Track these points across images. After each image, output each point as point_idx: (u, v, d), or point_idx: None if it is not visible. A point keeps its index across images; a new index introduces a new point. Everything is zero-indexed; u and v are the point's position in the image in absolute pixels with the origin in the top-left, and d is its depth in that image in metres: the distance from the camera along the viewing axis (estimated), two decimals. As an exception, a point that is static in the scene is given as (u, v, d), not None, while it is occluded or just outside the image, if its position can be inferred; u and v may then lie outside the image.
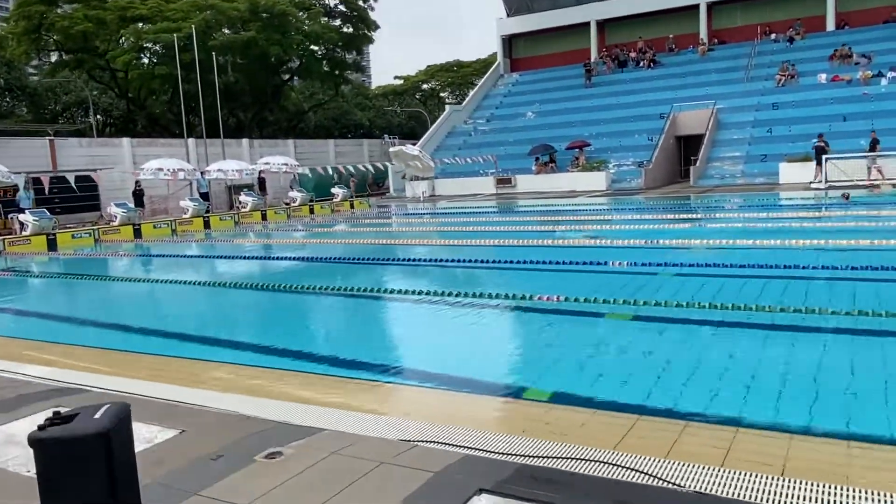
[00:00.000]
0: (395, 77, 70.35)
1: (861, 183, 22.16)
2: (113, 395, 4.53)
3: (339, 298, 8.92)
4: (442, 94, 69.50)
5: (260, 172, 27.86)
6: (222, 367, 5.68)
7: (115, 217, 19.98)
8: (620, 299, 7.32)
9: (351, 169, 27.94)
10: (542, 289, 8.87)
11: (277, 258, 13.15)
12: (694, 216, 15.77)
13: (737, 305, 6.84)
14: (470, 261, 10.88)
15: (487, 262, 10.71)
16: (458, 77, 65.08)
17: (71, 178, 23.00)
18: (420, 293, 8.39)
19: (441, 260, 11.29)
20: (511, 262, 10.47)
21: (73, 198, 24.17)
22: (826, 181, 22.18)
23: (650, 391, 4.65)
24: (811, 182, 23.12)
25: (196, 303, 9.39)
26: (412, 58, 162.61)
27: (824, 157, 22.61)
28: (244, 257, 13.61)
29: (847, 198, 18.41)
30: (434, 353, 5.88)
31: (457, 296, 8.05)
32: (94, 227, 19.77)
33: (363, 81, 72.83)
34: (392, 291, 8.78)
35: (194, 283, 10.63)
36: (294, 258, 12.96)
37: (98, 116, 50.61)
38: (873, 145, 23.23)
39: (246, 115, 47.19)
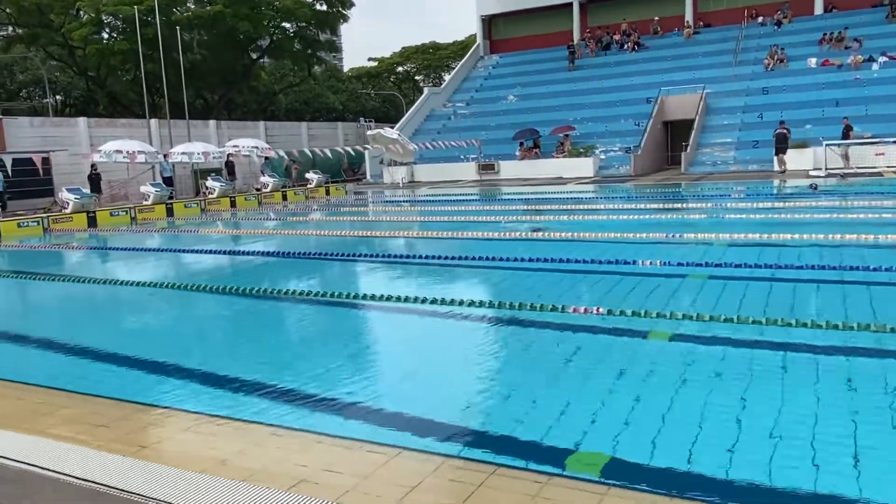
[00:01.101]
0: (369, 59, 68.26)
1: (862, 171, 21.31)
2: (7, 470, 3.16)
3: (328, 308, 7.46)
4: (417, 78, 67.73)
5: (228, 156, 26.12)
6: (177, 417, 4.21)
7: (68, 204, 18.23)
8: (657, 311, 6.04)
9: (295, 153, 25.83)
10: (557, 294, 7.62)
11: (247, 253, 11.67)
12: (703, 206, 14.61)
13: (802, 321, 5.65)
14: (467, 258, 9.57)
15: (488, 259, 9.37)
16: (434, 59, 63.38)
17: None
18: (409, 300, 7.02)
19: (435, 257, 9.96)
20: (515, 259, 9.16)
21: (23, 182, 22.29)
22: (826, 168, 21.30)
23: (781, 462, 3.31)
24: (809, 171, 22.26)
25: (147, 313, 7.80)
26: (386, 39, 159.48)
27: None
28: (209, 251, 12.09)
29: (815, 188, 17.65)
30: (440, 394, 4.51)
31: (458, 304, 6.74)
32: (45, 215, 18.01)
33: (336, 63, 70.63)
34: (379, 298, 7.29)
35: (146, 286, 9.09)
36: (266, 253, 11.48)
37: (58, 97, 47.97)
38: (846, 132, 22.51)
39: (213, 96, 45.05)
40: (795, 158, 23.55)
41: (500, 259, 9.24)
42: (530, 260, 9.04)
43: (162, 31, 28.73)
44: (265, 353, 5.72)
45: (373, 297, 7.27)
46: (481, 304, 6.76)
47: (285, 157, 26.48)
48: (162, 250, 13.16)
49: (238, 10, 36.62)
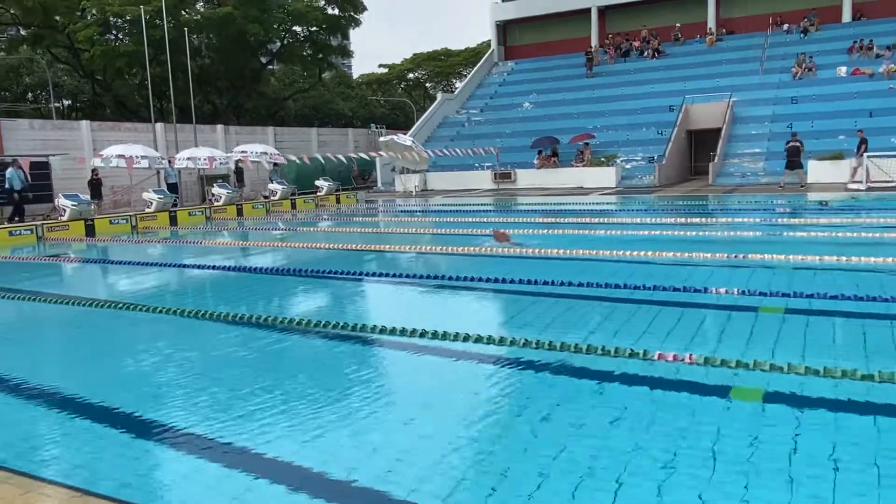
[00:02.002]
0: (380, 65, 67.51)
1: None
2: None
3: (342, 343, 6.38)
4: (427, 85, 66.89)
5: (237, 162, 25.11)
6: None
7: (65, 211, 17.22)
8: (749, 361, 4.86)
9: (294, 159, 24.38)
10: (607, 330, 6.48)
11: (253, 270, 10.58)
12: (750, 222, 13.43)
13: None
14: (500, 280, 8.46)
15: (525, 281, 8.26)
16: (445, 66, 62.55)
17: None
18: (438, 337, 5.89)
19: (461, 279, 8.85)
20: (559, 283, 8.03)
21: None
22: (866, 181, 20.13)
23: None
24: (847, 183, 21.10)
25: (132, 346, 6.76)
26: (396, 46, 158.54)
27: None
28: (211, 267, 11.03)
29: (825, 205, 16.62)
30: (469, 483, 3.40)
31: (484, 342, 5.63)
32: (40, 223, 16.99)
33: (345, 70, 69.76)
34: (402, 333, 6.13)
35: (135, 309, 8.01)
36: (273, 270, 10.38)
37: (65, 101, 47.20)
38: (860, 145, 21.31)
39: (221, 100, 44.20)
40: (831, 171, 22.43)
41: (530, 282, 8.11)
42: (568, 284, 7.90)
43: (169, 34, 27.81)
44: (268, 412, 4.61)
45: (394, 332, 6.14)
46: (507, 341, 5.61)
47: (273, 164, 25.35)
48: (160, 265, 12.09)
49: (248, 12, 35.76)
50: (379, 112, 58.82)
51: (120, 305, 8.07)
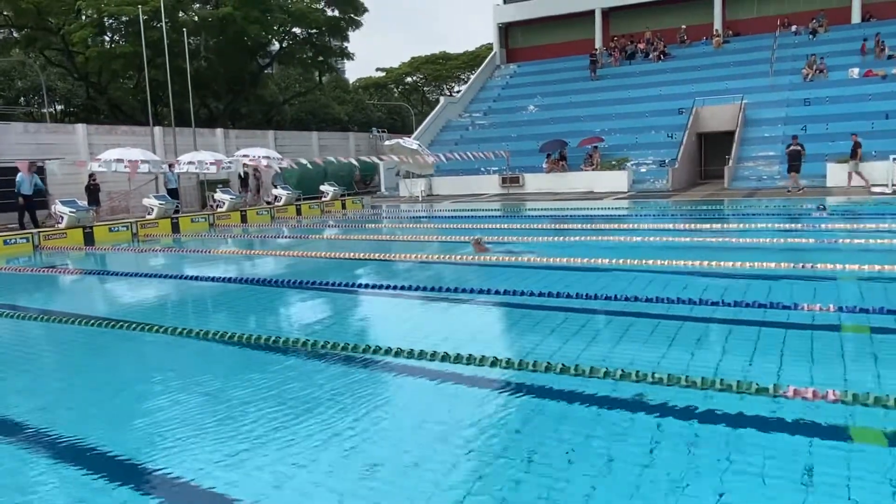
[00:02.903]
0: (377, 69, 66.80)
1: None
2: None
3: (359, 370, 5.64)
4: (424, 90, 66.20)
5: (245, 166, 24.36)
6: None
7: (62, 218, 16.42)
8: (867, 397, 4.14)
9: (305, 162, 23.57)
10: (679, 356, 5.79)
11: (261, 283, 9.80)
12: (792, 228, 12.75)
13: None
14: (538, 294, 7.75)
15: (566, 295, 7.55)
16: (444, 69, 61.92)
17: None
18: (471, 362, 5.18)
19: (489, 291, 8.14)
20: (615, 297, 7.33)
21: (4, 194, 20.37)
22: (892, 185, 19.57)
23: None
24: (870, 187, 20.50)
25: (129, 375, 6.00)
26: (393, 49, 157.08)
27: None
28: (219, 279, 10.27)
29: (822, 209, 16.08)
30: None
31: (551, 371, 4.91)
32: (37, 231, 16.19)
33: (342, 73, 68.97)
34: (424, 356, 5.41)
35: (131, 328, 7.24)
36: (282, 283, 9.58)
37: (59, 105, 46.29)
38: (855, 149, 20.82)
39: (218, 105, 43.37)
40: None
41: (579, 296, 7.40)
42: (626, 299, 7.20)
43: (168, 37, 27.04)
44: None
45: (423, 355, 5.42)
46: (574, 370, 4.89)
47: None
48: (164, 276, 11.34)
49: (248, 12, 34.97)
50: (376, 116, 58.11)
51: (127, 325, 7.32)
